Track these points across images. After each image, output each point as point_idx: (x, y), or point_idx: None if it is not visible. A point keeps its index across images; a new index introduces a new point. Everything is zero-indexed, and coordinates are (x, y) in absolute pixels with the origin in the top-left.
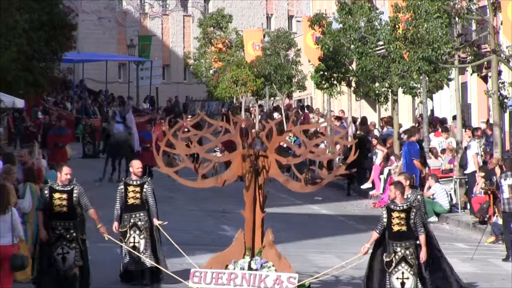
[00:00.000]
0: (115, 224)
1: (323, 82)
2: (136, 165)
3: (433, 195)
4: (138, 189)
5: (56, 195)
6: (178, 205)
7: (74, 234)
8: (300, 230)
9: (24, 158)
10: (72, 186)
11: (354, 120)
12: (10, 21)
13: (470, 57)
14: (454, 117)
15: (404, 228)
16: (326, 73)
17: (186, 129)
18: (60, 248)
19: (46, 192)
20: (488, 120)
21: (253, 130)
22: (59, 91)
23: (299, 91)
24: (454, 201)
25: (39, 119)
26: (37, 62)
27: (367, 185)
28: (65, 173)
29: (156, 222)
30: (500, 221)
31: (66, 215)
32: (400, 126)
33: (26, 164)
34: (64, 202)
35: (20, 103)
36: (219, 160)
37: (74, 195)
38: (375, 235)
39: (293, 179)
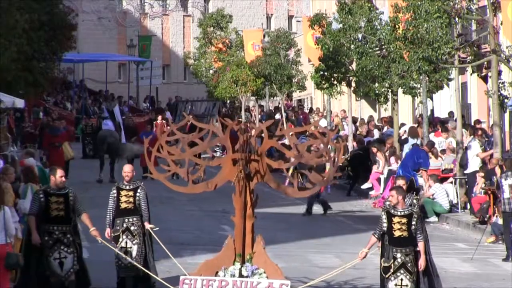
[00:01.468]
0: (108, 230)
1: (323, 82)
2: (124, 169)
3: (433, 195)
4: (131, 193)
5: (53, 199)
6: (178, 205)
7: (71, 239)
8: (300, 230)
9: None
10: (67, 190)
11: (354, 120)
12: (10, 21)
13: (470, 57)
14: (451, 114)
15: (405, 233)
16: (326, 73)
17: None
18: (57, 253)
19: (41, 196)
20: (478, 120)
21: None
22: (59, 91)
23: (299, 91)
24: (454, 201)
25: (40, 119)
26: (37, 62)
27: (367, 185)
28: (59, 175)
29: (147, 225)
30: (500, 221)
31: (63, 219)
32: (403, 124)
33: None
34: (61, 206)
35: (20, 103)
36: (208, 164)
37: (70, 198)
38: (373, 239)
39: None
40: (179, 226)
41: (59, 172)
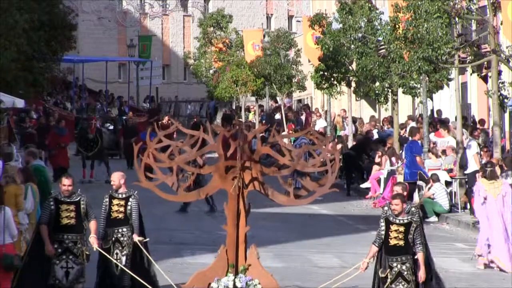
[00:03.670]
0: (100, 243)
1: (323, 82)
2: (111, 178)
3: (433, 195)
4: (123, 202)
5: (63, 207)
6: (178, 205)
7: (81, 249)
8: (300, 230)
9: None
10: (78, 197)
11: (354, 120)
12: (10, 21)
13: (470, 57)
14: (439, 113)
15: (401, 242)
16: (326, 73)
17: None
18: (65, 262)
19: (51, 203)
20: (482, 120)
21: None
22: (59, 91)
23: (299, 91)
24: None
25: (33, 119)
26: (37, 62)
27: (367, 185)
28: (63, 184)
29: (135, 238)
30: None
31: (74, 228)
32: (410, 117)
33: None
34: (72, 214)
35: (20, 103)
36: (199, 172)
37: (82, 206)
38: (374, 248)
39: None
40: (179, 226)
41: (65, 181)
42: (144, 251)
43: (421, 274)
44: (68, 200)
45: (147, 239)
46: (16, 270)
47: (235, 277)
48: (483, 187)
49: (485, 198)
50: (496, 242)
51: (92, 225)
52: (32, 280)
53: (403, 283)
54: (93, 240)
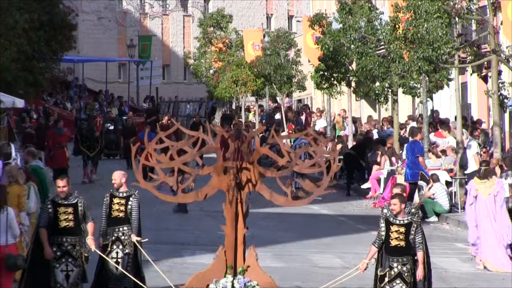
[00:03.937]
0: (100, 240)
1: (323, 82)
2: (113, 176)
3: (433, 195)
4: (123, 201)
5: (61, 209)
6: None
7: (80, 251)
8: (300, 230)
9: None
10: (76, 199)
11: (354, 120)
12: (10, 21)
13: (470, 57)
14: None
15: (402, 243)
16: (326, 73)
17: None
18: (65, 265)
19: (49, 206)
20: (479, 120)
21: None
22: (59, 91)
23: (299, 91)
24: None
25: (34, 119)
26: (37, 62)
27: (367, 185)
28: (58, 185)
29: (134, 238)
30: None
31: (73, 230)
32: (410, 117)
33: None
34: (70, 217)
35: (20, 103)
36: (198, 173)
37: (79, 208)
38: (373, 249)
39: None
40: (179, 226)
41: (59, 182)
42: (143, 252)
43: (419, 272)
44: (66, 202)
45: (146, 239)
46: (23, 270)
47: (233, 279)
48: (474, 186)
49: (475, 197)
50: (484, 244)
51: (90, 226)
52: (33, 284)
53: (401, 284)
54: (90, 241)
